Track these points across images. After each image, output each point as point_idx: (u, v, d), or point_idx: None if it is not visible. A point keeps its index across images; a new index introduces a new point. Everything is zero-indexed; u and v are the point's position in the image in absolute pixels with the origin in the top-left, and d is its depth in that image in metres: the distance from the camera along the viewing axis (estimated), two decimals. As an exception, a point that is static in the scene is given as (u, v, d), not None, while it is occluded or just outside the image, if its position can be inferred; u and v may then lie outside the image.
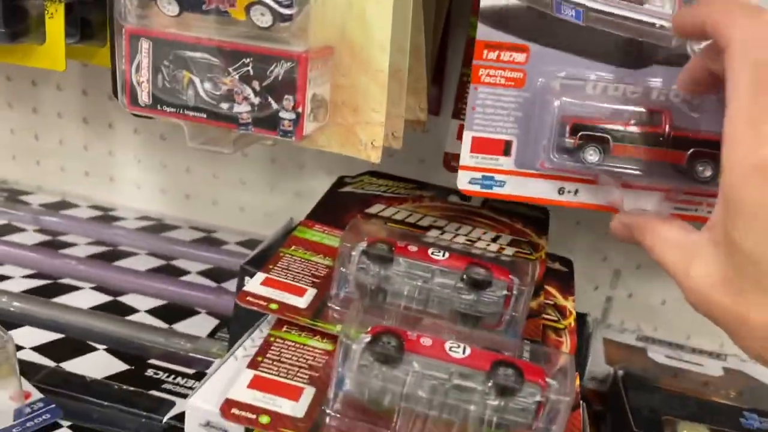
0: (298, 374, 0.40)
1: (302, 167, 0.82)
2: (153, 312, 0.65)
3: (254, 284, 0.45)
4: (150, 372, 0.56)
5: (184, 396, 0.52)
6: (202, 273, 0.74)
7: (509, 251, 0.53)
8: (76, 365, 0.55)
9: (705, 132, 0.41)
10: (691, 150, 0.41)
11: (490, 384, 0.35)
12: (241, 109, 0.40)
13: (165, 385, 0.54)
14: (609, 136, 0.41)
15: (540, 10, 0.42)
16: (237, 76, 0.40)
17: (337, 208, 0.58)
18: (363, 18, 0.42)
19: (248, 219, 0.86)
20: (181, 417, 0.49)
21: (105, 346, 0.58)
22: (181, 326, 0.63)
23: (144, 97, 0.42)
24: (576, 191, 0.45)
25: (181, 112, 0.41)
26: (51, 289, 0.66)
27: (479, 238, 0.55)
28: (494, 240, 0.55)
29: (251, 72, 0.39)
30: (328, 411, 0.37)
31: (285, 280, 0.46)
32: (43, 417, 0.48)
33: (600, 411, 0.65)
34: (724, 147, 0.32)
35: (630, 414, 0.57)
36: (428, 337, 0.37)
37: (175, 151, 0.86)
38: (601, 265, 0.78)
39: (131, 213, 0.86)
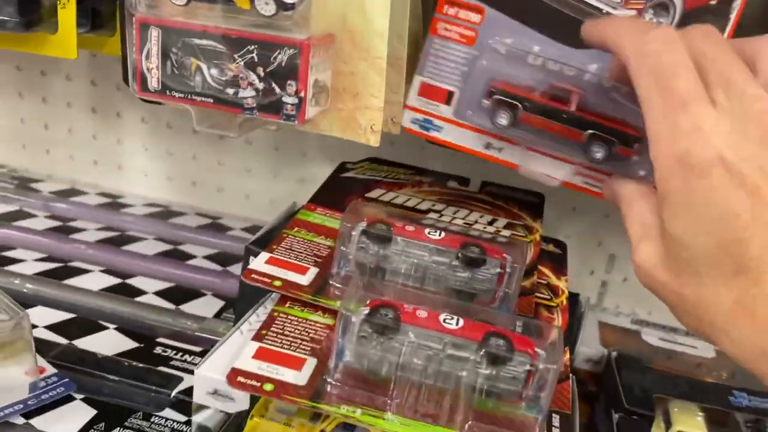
0: (301, 346, 0.42)
1: (305, 155, 0.84)
2: (161, 294, 0.67)
3: (259, 262, 0.47)
4: (158, 350, 0.58)
5: (192, 372, 0.54)
6: (208, 257, 0.76)
7: (505, 233, 0.55)
8: (87, 343, 0.57)
9: (609, 117, 0.44)
10: (589, 131, 0.45)
11: (481, 353, 0.37)
12: (246, 94, 0.42)
13: (173, 362, 0.56)
14: (519, 104, 0.45)
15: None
16: (242, 63, 0.42)
17: (338, 192, 0.60)
18: (363, 7, 0.44)
19: (253, 205, 0.88)
20: (188, 392, 0.51)
21: (115, 326, 0.61)
22: (187, 307, 0.65)
23: (154, 83, 0.44)
24: (501, 149, 0.49)
25: (188, 97, 0.43)
26: (62, 271, 0.68)
27: (476, 221, 0.57)
28: (490, 223, 0.57)
29: (256, 58, 0.41)
30: (328, 380, 0.39)
31: (288, 259, 0.48)
32: (58, 390, 0.50)
33: (594, 392, 0.67)
34: (651, 145, 0.35)
35: (622, 392, 0.59)
36: (423, 309, 0.39)
37: (182, 139, 0.88)
38: (596, 249, 0.80)
39: (139, 200, 0.88)
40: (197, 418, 0.49)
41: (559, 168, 0.48)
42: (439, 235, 0.46)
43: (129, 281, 0.69)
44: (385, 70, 0.45)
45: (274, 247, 0.49)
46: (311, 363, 0.40)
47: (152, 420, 0.49)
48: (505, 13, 0.46)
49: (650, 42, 0.36)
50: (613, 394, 0.60)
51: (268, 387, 0.38)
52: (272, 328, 0.43)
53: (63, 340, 0.57)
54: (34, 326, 0.58)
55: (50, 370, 0.52)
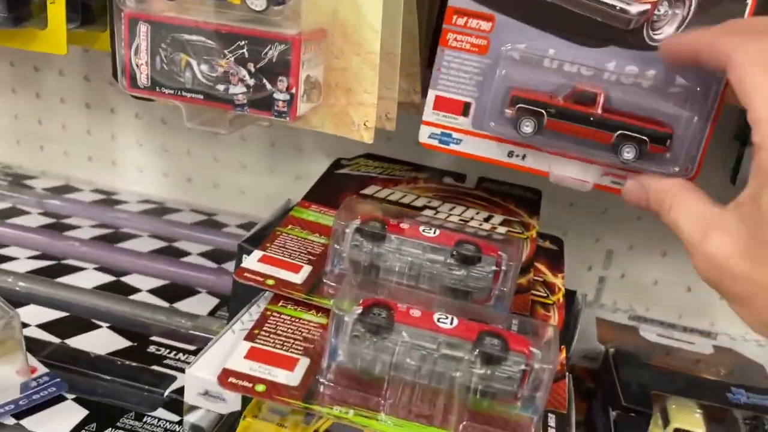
0: (294, 346, 0.41)
1: (301, 150, 0.84)
2: (155, 291, 0.67)
3: (251, 261, 0.46)
4: (152, 348, 0.57)
5: (185, 371, 0.54)
6: (203, 254, 0.75)
7: (501, 230, 0.55)
8: (80, 342, 0.57)
9: (637, 116, 0.43)
10: (619, 132, 0.44)
11: (476, 353, 0.37)
12: (237, 90, 0.42)
13: (166, 361, 0.56)
14: (543, 111, 0.44)
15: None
16: (232, 59, 0.41)
17: (333, 189, 0.59)
18: (355, 1, 0.43)
19: (248, 202, 0.88)
20: (182, 391, 0.50)
21: (108, 324, 0.60)
22: (182, 305, 0.65)
23: (143, 80, 0.43)
24: (524, 156, 0.47)
25: (178, 93, 0.43)
26: (55, 269, 0.68)
27: (472, 218, 0.57)
28: (486, 220, 0.57)
29: (246, 54, 0.41)
30: (321, 380, 0.39)
31: (281, 258, 0.48)
32: (49, 390, 0.49)
33: (592, 388, 0.66)
34: (758, 131, 0.34)
35: (620, 389, 0.59)
36: (417, 309, 0.39)
37: (176, 134, 0.87)
38: (594, 246, 0.80)
39: (133, 196, 0.88)
40: (190, 418, 0.48)
41: (588, 170, 0.46)
42: (434, 232, 0.46)
43: (123, 279, 0.68)
44: (378, 65, 0.44)
45: (268, 245, 0.49)
46: (304, 363, 0.40)
47: (144, 420, 0.49)
48: (515, 17, 0.45)
49: (748, 33, 0.36)
50: (610, 390, 0.60)
51: (260, 388, 0.38)
52: (265, 328, 0.42)
53: (55, 339, 0.57)
54: (26, 325, 0.58)
55: (42, 369, 0.51)
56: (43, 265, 0.68)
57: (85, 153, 0.91)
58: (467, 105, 0.47)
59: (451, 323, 0.38)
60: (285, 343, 0.41)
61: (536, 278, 0.52)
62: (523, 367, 0.37)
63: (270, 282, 0.45)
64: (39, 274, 0.67)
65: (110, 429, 0.48)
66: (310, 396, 0.38)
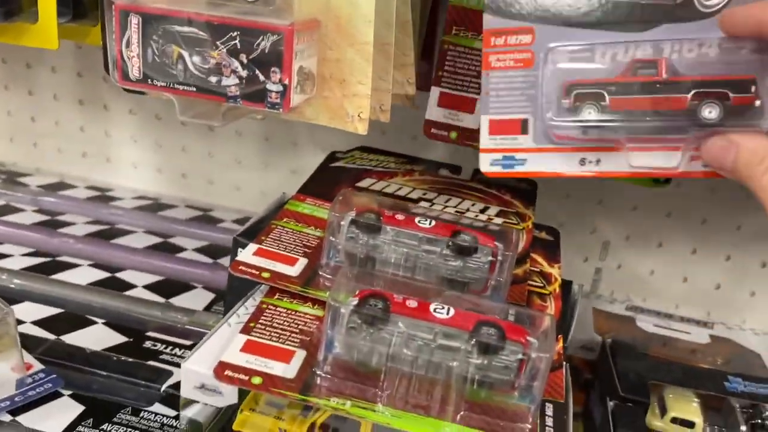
0: (290, 338, 0.41)
1: (296, 145, 0.83)
2: (150, 287, 0.66)
3: (247, 254, 0.46)
4: (148, 344, 0.57)
5: (181, 365, 0.54)
6: (199, 250, 0.75)
7: (497, 221, 0.55)
8: (75, 338, 0.57)
9: (710, 74, 0.40)
10: (692, 92, 0.40)
11: (472, 343, 0.37)
12: (230, 82, 0.41)
13: (163, 356, 0.56)
14: (603, 91, 0.41)
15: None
16: (225, 50, 0.41)
17: (328, 182, 0.59)
18: (348, -9, 0.43)
19: (244, 197, 0.87)
20: (178, 385, 0.50)
21: (104, 320, 0.60)
22: (177, 300, 0.65)
23: (135, 72, 0.43)
24: (598, 161, 0.44)
25: (171, 86, 0.42)
26: (50, 266, 0.68)
27: (468, 209, 0.56)
28: (482, 211, 0.57)
29: (238, 45, 0.40)
30: (318, 372, 0.38)
31: (277, 251, 0.47)
32: (45, 386, 0.49)
33: (590, 379, 0.66)
34: None
35: (617, 379, 0.59)
36: (414, 299, 0.38)
37: (171, 130, 0.87)
38: (590, 237, 0.79)
39: (128, 193, 0.87)
40: (187, 413, 0.48)
41: (671, 158, 0.42)
42: (430, 223, 0.46)
43: (118, 275, 0.68)
44: (372, 56, 0.44)
45: (263, 238, 0.48)
46: (300, 355, 0.40)
47: (141, 415, 0.49)
48: (555, 23, 0.43)
49: None
50: (608, 381, 0.60)
51: (257, 380, 0.37)
52: (261, 321, 0.42)
53: (51, 336, 0.57)
54: (21, 322, 0.57)
55: (37, 366, 0.51)
56: (37, 262, 0.68)
57: (79, 149, 0.91)
58: (524, 122, 0.44)
59: (448, 313, 0.38)
60: (281, 336, 0.41)
61: (533, 269, 0.51)
62: (520, 356, 0.37)
63: (265, 275, 0.45)
64: (34, 271, 0.66)
65: (107, 424, 0.47)
66: (306, 388, 0.37)
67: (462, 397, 0.37)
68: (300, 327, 0.42)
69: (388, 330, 0.37)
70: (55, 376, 0.50)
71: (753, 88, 0.39)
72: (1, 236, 0.73)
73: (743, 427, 0.53)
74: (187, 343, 0.58)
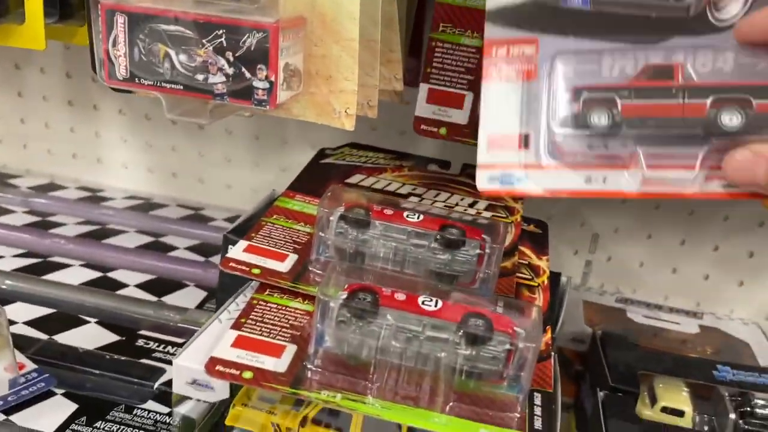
0: (280, 333, 0.41)
1: (286, 143, 0.84)
2: (142, 286, 0.66)
3: (237, 251, 0.46)
4: (141, 342, 0.57)
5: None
6: (191, 249, 0.75)
7: (486, 215, 0.55)
8: (68, 338, 0.57)
9: (723, 80, 0.38)
10: (711, 98, 0.37)
11: (461, 334, 0.37)
12: (216, 79, 0.42)
13: (155, 354, 0.56)
14: (615, 96, 0.39)
15: (548, 3, 0.40)
16: (211, 48, 0.41)
17: (317, 179, 0.59)
18: (333, -12, 0.43)
19: (235, 196, 0.87)
20: (171, 383, 0.50)
21: (96, 320, 0.60)
22: (170, 299, 0.65)
23: (122, 71, 0.43)
24: (605, 178, 0.40)
25: (158, 84, 0.43)
26: (41, 267, 0.68)
27: (457, 204, 0.57)
28: (471, 205, 0.57)
29: (224, 43, 0.41)
30: (309, 366, 0.39)
31: (267, 247, 0.48)
32: (38, 386, 0.49)
33: (580, 371, 0.67)
34: None
35: (608, 370, 0.59)
36: (402, 292, 0.39)
37: (161, 130, 0.87)
38: (579, 230, 0.80)
39: (119, 193, 0.87)
40: (180, 409, 0.48)
41: (685, 177, 0.38)
42: (418, 218, 0.46)
43: (110, 274, 0.68)
44: (357, 52, 0.44)
45: (253, 235, 0.49)
46: (291, 350, 0.40)
47: (134, 412, 0.49)
48: (563, 34, 0.40)
49: None
50: (598, 372, 0.60)
51: (248, 375, 0.38)
52: (251, 316, 0.42)
53: (43, 336, 0.57)
54: (13, 322, 0.57)
55: (30, 366, 0.51)
56: (28, 263, 0.68)
57: (69, 151, 0.90)
58: (526, 137, 0.41)
59: (436, 305, 0.38)
60: (272, 331, 0.41)
61: (521, 261, 0.52)
62: (507, 346, 0.37)
63: (256, 271, 0.45)
64: (25, 272, 0.66)
65: (100, 422, 0.48)
66: (297, 382, 0.38)
67: (451, 387, 0.37)
68: (290, 322, 0.42)
69: (378, 323, 0.38)
70: (47, 375, 0.51)
71: None
72: (-8, 238, 0.73)
73: (732, 415, 0.54)
74: (180, 341, 0.58)
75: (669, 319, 0.74)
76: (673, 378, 0.59)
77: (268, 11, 0.41)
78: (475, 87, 0.56)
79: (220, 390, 0.40)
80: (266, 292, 0.45)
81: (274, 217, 0.52)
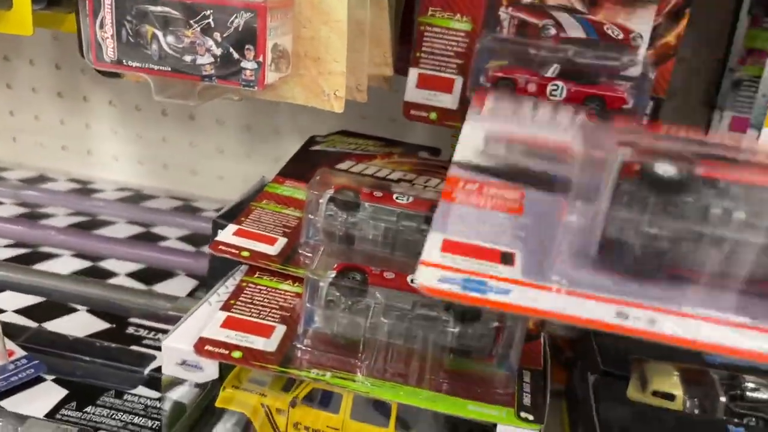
0: (270, 314, 0.41)
1: (278, 133, 0.83)
2: (133, 275, 0.66)
3: (226, 234, 0.46)
4: (131, 330, 0.57)
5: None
6: (182, 239, 0.75)
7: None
8: (58, 325, 0.57)
9: None
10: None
11: (449, 312, 0.37)
12: (204, 60, 0.41)
13: (146, 341, 0.56)
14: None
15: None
16: (198, 29, 0.41)
17: (307, 165, 0.59)
18: (321, -30, 0.43)
19: (227, 186, 0.87)
20: (161, 369, 0.50)
21: (86, 308, 0.60)
22: (160, 287, 0.65)
23: (109, 53, 0.43)
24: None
25: (146, 66, 0.43)
26: (31, 257, 0.67)
27: (447, 189, 0.57)
28: (461, 190, 0.57)
29: (212, 24, 0.41)
30: (298, 345, 0.39)
31: (256, 231, 0.48)
32: (27, 372, 0.49)
33: (572, 357, 0.67)
34: None
35: (599, 355, 0.60)
36: (391, 271, 0.39)
37: (151, 121, 0.86)
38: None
39: (110, 185, 0.87)
40: (171, 395, 0.48)
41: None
42: (408, 199, 0.46)
43: (100, 264, 0.68)
44: (345, 33, 0.44)
45: (243, 219, 0.49)
46: (281, 330, 0.40)
47: (124, 398, 0.49)
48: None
49: None
50: (589, 357, 0.60)
51: (237, 354, 0.38)
52: (241, 298, 0.42)
53: (33, 324, 0.56)
54: (3, 311, 0.57)
55: (20, 353, 0.51)
56: (18, 252, 0.68)
57: (59, 143, 0.90)
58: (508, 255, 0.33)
59: (425, 284, 0.38)
60: (261, 312, 0.41)
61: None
62: (496, 324, 0.37)
63: (245, 254, 0.45)
64: (15, 262, 0.66)
65: (90, 407, 0.47)
66: (287, 361, 0.38)
67: (440, 365, 0.38)
68: (280, 303, 0.42)
69: (367, 301, 0.38)
70: (37, 362, 0.50)
71: None
72: (-18, 229, 0.72)
73: (722, 398, 0.54)
74: (170, 328, 0.58)
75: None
76: (663, 362, 0.59)
77: (255, -9, 0.41)
78: (464, 71, 0.56)
79: (210, 370, 0.40)
80: (256, 275, 0.45)
81: (264, 202, 0.52)
